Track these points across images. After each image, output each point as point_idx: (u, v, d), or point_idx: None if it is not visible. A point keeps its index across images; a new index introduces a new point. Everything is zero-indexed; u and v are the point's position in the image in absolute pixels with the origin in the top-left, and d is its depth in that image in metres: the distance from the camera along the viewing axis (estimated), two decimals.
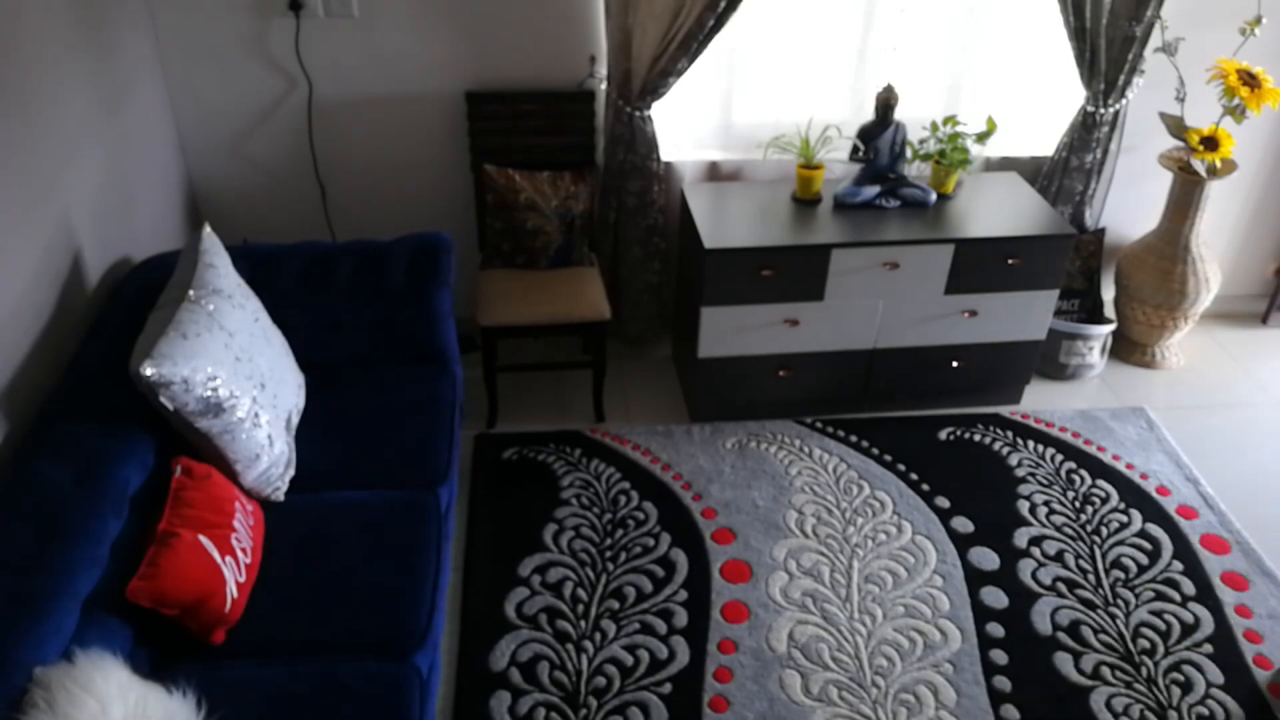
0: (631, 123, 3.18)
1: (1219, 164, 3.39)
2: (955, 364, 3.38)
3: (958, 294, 3.22)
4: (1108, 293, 3.89)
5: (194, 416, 2.12)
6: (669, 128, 3.39)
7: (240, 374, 2.23)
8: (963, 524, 3.01)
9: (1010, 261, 3.17)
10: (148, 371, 2.01)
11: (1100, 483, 3.18)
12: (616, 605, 2.72)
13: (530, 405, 3.45)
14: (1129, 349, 3.78)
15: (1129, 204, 3.74)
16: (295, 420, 2.53)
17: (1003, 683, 2.57)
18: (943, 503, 3.09)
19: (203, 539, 2.01)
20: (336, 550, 2.27)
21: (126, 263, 2.77)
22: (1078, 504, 3.09)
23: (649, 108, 3.17)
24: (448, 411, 2.71)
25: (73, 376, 2.29)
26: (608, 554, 2.87)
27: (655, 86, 3.12)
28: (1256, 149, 3.68)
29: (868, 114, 3.32)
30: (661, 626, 2.67)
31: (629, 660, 2.58)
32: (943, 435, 3.36)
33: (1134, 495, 3.14)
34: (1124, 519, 3.05)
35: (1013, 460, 3.25)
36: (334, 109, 3.22)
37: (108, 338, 2.38)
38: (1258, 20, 3.24)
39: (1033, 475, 3.19)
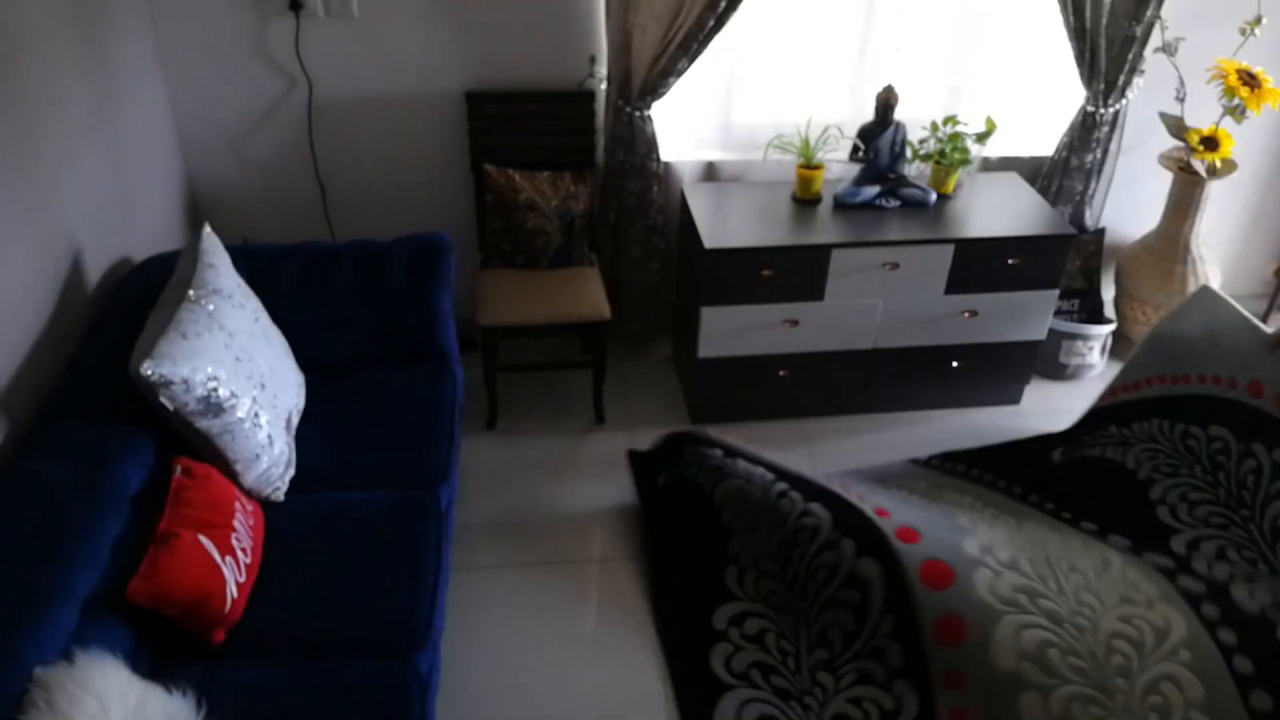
0: (631, 123, 3.18)
1: (1219, 164, 3.39)
2: (955, 364, 3.38)
3: (958, 294, 3.22)
4: (1108, 293, 3.89)
5: (194, 416, 2.12)
6: (669, 128, 3.38)
7: (240, 374, 2.23)
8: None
9: (1010, 261, 3.17)
10: (148, 371, 2.01)
11: None
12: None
13: (530, 405, 3.45)
14: (1129, 349, 3.77)
15: (1129, 204, 3.74)
16: (295, 420, 2.53)
17: (1244, 664, 2.30)
18: (1089, 525, 2.81)
19: (203, 539, 2.01)
20: (336, 550, 2.26)
21: (126, 263, 2.77)
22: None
23: (649, 108, 3.17)
24: (448, 411, 2.71)
25: (73, 376, 2.29)
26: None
27: (655, 86, 3.12)
28: (1256, 149, 3.68)
29: (868, 114, 3.32)
30: None
31: None
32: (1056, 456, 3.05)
33: None
34: None
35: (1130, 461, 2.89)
36: (334, 109, 3.22)
37: (108, 338, 2.38)
38: (1258, 20, 3.24)
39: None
